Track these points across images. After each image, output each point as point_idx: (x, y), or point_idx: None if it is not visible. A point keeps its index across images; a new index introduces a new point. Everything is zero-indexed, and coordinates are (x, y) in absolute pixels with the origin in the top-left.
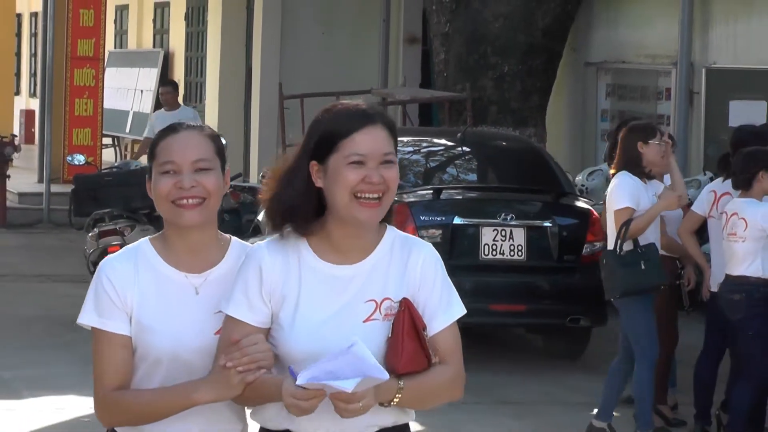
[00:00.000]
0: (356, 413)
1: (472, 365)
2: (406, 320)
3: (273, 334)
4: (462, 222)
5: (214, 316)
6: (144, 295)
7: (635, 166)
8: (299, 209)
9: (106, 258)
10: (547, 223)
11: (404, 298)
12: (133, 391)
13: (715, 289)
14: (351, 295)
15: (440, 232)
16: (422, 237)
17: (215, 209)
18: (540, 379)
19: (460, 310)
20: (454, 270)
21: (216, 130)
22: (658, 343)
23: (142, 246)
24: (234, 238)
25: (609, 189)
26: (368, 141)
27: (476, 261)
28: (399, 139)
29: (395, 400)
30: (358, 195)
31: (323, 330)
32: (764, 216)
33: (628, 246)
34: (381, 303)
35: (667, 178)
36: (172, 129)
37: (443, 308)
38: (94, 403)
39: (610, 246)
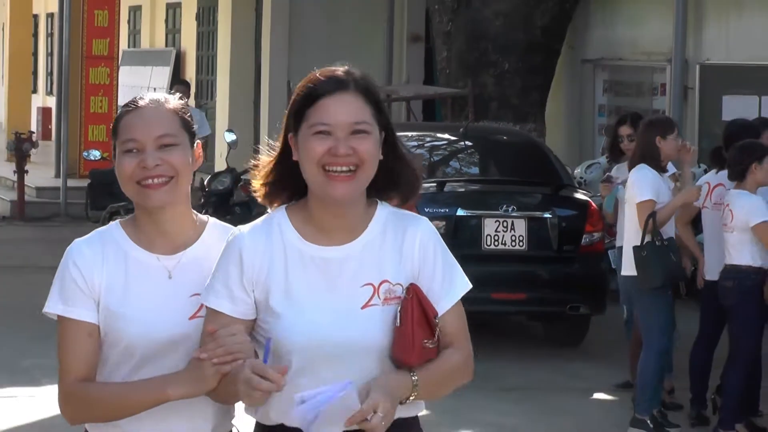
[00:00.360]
0: (381, 425)
1: (474, 353)
2: (416, 309)
3: (262, 325)
4: (465, 213)
5: (189, 300)
6: (113, 279)
7: (653, 160)
8: (277, 183)
9: (73, 242)
10: (547, 215)
11: (412, 284)
12: (101, 383)
13: (709, 277)
14: (345, 279)
15: (444, 223)
16: None
17: (185, 187)
18: (540, 366)
19: (463, 286)
20: (457, 260)
21: (227, 126)
22: (669, 338)
23: (112, 228)
24: (212, 219)
25: (629, 182)
26: (335, 108)
27: (479, 251)
28: (403, 134)
29: (412, 396)
30: (327, 168)
31: (318, 317)
32: (748, 209)
33: (647, 238)
34: (379, 287)
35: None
36: (133, 104)
37: (446, 288)
38: (59, 398)
39: (631, 237)
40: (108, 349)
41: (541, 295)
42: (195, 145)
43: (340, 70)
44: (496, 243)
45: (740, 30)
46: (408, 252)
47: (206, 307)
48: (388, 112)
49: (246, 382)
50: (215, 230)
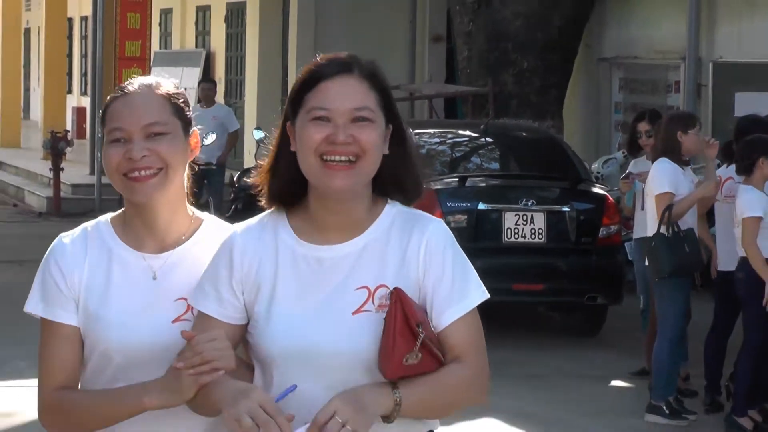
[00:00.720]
0: None
1: (493, 341)
2: (398, 315)
3: (250, 330)
4: (486, 207)
5: (173, 303)
6: (93, 278)
7: (674, 154)
8: (279, 181)
9: (57, 237)
10: (565, 208)
11: (396, 289)
12: (78, 391)
13: (721, 268)
14: (338, 282)
15: (465, 217)
16: (448, 222)
17: (177, 180)
18: (558, 355)
19: (478, 296)
20: (478, 252)
21: (255, 124)
22: (682, 326)
23: (100, 223)
24: (209, 217)
25: (649, 175)
26: (336, 93)
27: (499, 244)
28: (425, 131)
29: (394, 415)
30: (325, 158)
31: (304, 324)
32: (744, 204)
33: (661, 229)
34: (374, 291)
35: None
36: (121, 90)
37: (456, 296)
38: (37, 405)
39: (652, 229)
40: (86, 355)
41: (560, 286)
42: (190, 133)
43: (343, 53)
44: (516, 236)
45: (752, 28)
46: (412, 255)
47: (196, 310)
48: (397, 105)
49: (250, 413)
50: (211, 229)
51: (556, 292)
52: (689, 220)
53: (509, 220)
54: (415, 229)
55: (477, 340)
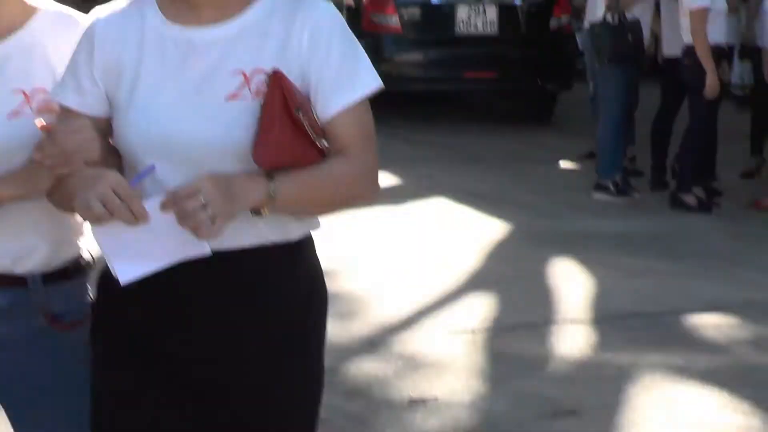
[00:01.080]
0: (202, 217)
1: (445, 128)
2: (277, 98)
3: (113, 121)
4: (438, 1)
5: (9, 95)
6: None
7: None
8: None
9: None
10: (517, 1)
11: (275, 70)
12: None
13: (667, 53)
14: (210, 65)
15: (419, 10)
16: (402, 15)
17: None
18: (510, 139)
19: (369, 84)
20: (430, 44)
21: None
22: (624, 109)
23: None
24: (53, 4)
25: None
26: None
27: (452, 35)
28: None
29: (265, 208)
30: None
31: (169, 111)
32: None
33: (607, 17)
34: (251, 76)
35: None
36: None
37: (344, 83)
38: None
39: (600, 16)
40: None
41: (511, 74)
42: None
43: None
44: (468, 27)
45: None
46: (295, 39)
47: (35, 102)
48: None
49: (101, 198)
50: (51, 16)
51: (507, 80)
52: (637, 11)
53: (462, 12)
54: (299, 12)
55: (366, 133)
